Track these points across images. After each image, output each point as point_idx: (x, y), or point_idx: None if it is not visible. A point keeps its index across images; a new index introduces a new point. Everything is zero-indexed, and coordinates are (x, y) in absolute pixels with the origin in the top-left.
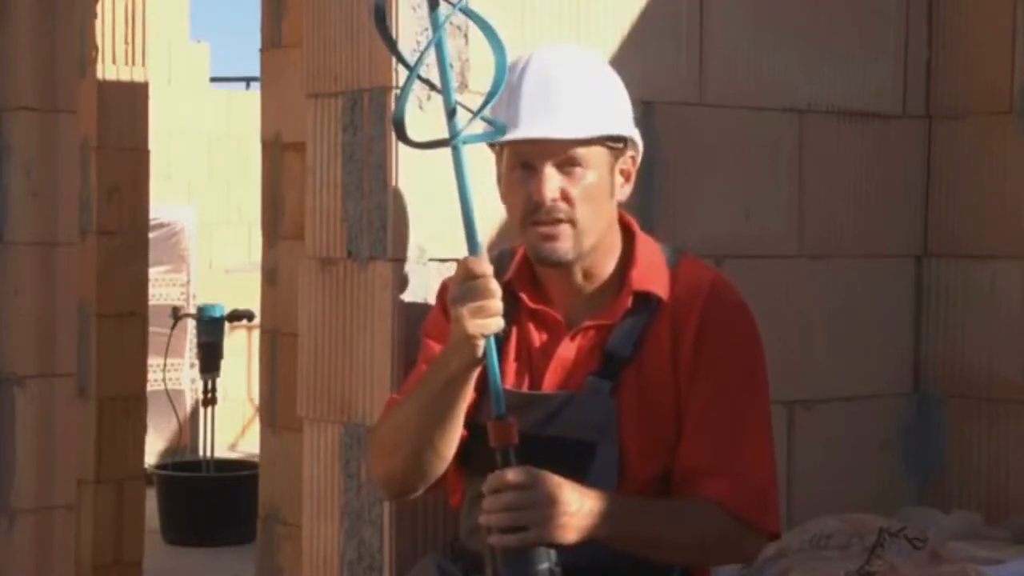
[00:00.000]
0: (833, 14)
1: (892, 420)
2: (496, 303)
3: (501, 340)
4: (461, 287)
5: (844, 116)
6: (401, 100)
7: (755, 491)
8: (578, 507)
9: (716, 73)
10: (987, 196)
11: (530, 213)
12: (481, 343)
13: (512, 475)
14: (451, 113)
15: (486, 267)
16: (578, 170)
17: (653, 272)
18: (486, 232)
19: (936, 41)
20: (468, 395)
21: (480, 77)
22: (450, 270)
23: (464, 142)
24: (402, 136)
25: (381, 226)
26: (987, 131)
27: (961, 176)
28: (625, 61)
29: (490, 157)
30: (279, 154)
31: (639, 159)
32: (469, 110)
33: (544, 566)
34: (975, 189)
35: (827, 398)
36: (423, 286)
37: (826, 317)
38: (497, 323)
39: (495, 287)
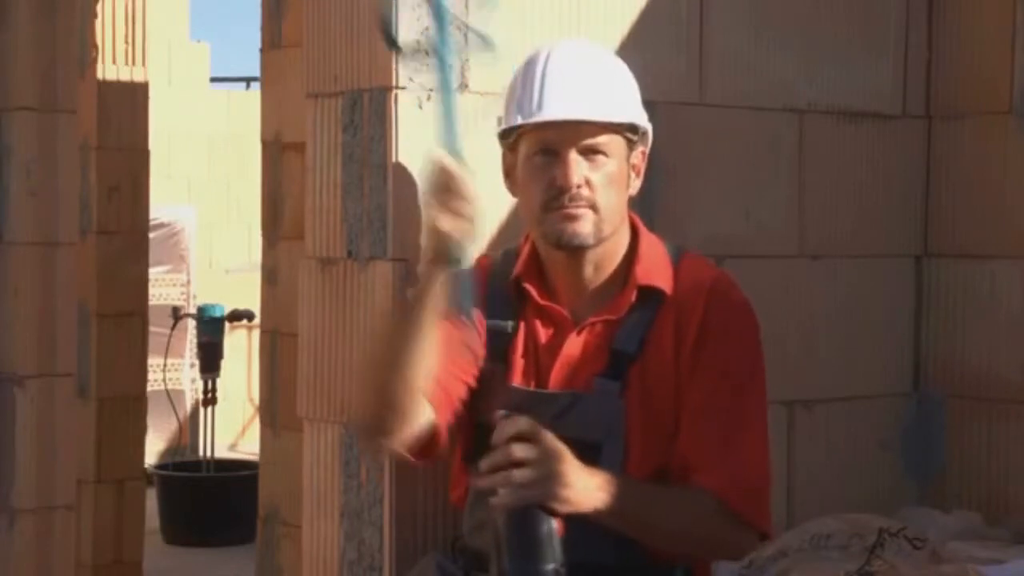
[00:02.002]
0: (833, 14)
1: (892, 420)
2: (470, 207)
3: (510, 335)
4: (438, 187)
5: (844, 116)
6: None
7: (748, 486)
8: (578, 475)
9: (716, 73)
10: (987, 196)
11: (552, 199)
12: (450, 246)
13: (523, 423)
14: (440, 17)
15: (464, 170)
16: (601, 157)
17: (657, 267)
18: (487, 230)
19: (936, 41)
20: (434, 312)
21: (480, 77)
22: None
23: (451, 54)
24: (389, 38)
25: (381, 226)
26: (987, 131)
27: (961, 176)
28: (625, 61)
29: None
30: (279, 154)
31: (647, 155)
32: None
33: (544, 528)
34: (975, 189)
35: (827, 398)
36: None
37: (826, 317)
38: (467, 228)
39: (471, 190)
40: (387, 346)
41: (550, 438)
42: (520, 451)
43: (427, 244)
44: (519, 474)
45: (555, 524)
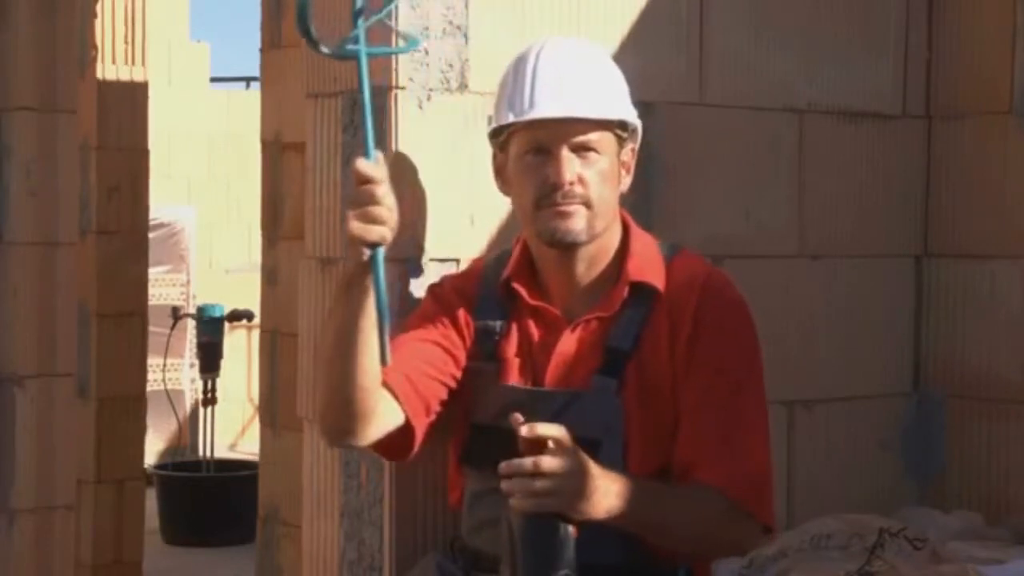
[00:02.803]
0: (833, 14)
1: (892, 420)
2: (382, 211)
3: (501, 335)
4: (352, 191)
5: (844, 116)
6: None
7: (750, 480)
8: (597, 486)
9: (716, 73)
10: (987, 196)
11: (545, 196)
12: (365, 249)
13: (554, 430)
14: (357, 14)
15: (378, 173)
16: (592, 154)
17: (649, 264)
18: (487, 230)
19: (936, 41)
20: (368, 311)
21: (480, 77)
22: (450, 270)
23: (370, 55)
24: (307, 37)
25: None
26: (987, 131)
27: (961, 176)
28: (625, 61)
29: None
30: (279, 154)
31: (636, 151)
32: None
33: (560, 534)
34: (975, 189)
35: (827, 398)
36: (423, 286)
37: (826, 317)
38: (379, 232)
39: (383, 194)
40: (332, 347)
41: (578, 451)
42: (547, 464)
43: (346, 249)
44: (541, 484)
45: (571, 530)
